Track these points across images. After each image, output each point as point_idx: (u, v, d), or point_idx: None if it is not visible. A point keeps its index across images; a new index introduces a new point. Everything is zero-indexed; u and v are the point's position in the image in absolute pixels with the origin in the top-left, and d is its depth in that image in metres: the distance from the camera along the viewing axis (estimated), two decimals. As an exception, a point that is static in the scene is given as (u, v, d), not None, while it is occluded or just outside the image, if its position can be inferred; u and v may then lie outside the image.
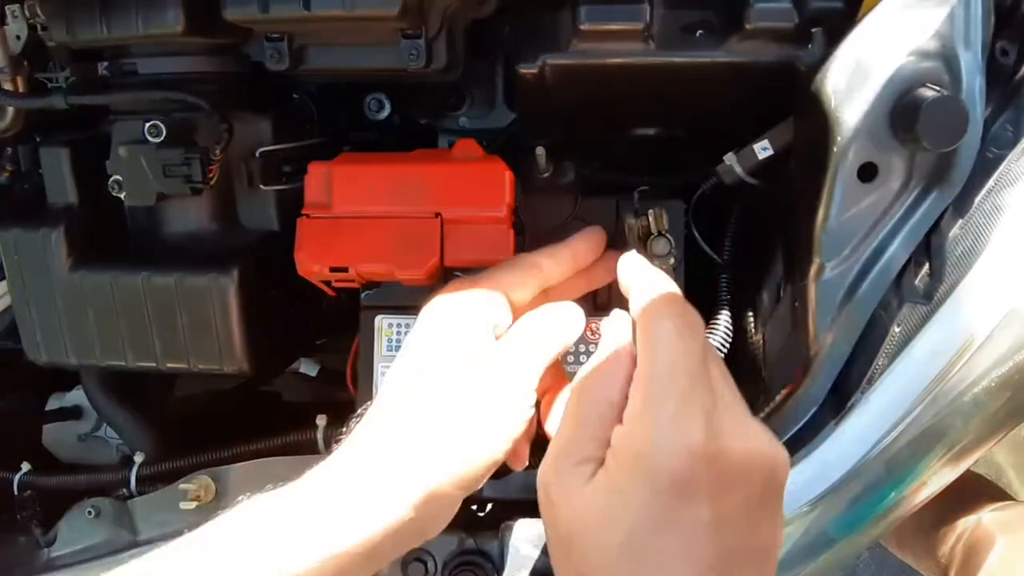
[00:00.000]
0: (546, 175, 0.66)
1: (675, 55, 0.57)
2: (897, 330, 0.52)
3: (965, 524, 0.91)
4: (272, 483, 0.66)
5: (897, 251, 0.51)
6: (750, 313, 0.64)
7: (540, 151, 0.64)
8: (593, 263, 0.58)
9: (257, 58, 0.66)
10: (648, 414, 0.38)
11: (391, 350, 0.67)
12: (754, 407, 0.59)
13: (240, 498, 0.46)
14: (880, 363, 0.51)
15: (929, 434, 0.51)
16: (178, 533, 0.65)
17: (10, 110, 0.64)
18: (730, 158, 0.63)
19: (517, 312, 0.52)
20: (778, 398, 0.55)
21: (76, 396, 0.84)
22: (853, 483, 0.54)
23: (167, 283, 0.63)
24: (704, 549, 0.35)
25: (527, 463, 0.56)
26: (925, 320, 0.51)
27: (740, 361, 0.64)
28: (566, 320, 0.52)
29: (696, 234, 0.65)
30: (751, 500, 0.37)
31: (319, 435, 0.70)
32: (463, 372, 0.48)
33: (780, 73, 0.57)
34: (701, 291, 0.66)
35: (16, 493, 0.73)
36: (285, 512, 0.45)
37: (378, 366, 0.67)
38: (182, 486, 0.65)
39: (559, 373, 0.56)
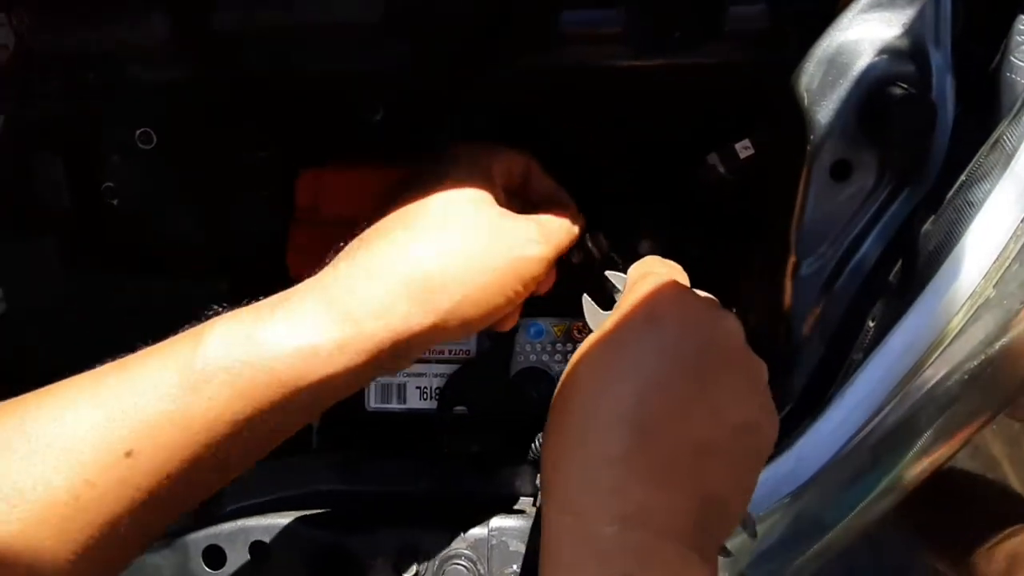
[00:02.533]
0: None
1: (653, 58, 0.58)
2: (872, 325, 0.53)
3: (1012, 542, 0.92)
4: (269, 480, 0.68)
5: (871, 247, 0.52)
6: (733, 310, 0.65)
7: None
8: None
9: (245, 64, 0.67)
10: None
11: (381, 350, 0.69)
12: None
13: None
14: (856, 358, 0.52)
15: (907, 426, 0.52)
16: (174, 533, 0.67)
17: (0, 118, 0.65)
18: (712, 158, 0.64)
19: None
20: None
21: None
22: (839, 471, 0.55)
23: (160, 291, 0.65)
24: (655, 365, 0.40)
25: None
26: (899, 315, 0.52)
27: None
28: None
29: (680, 236, 0.66)
30: (711, 349, 0.42)
31: (313, 435, 0.71)
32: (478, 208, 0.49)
33: (757, 74, 0.58)
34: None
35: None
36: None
37: (368, 366, 0.69)
38: None
39: None
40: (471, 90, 0.73)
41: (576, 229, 0.56)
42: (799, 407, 0.54)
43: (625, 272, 0.52)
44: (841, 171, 0.51)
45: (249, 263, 0.68)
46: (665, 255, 0.66)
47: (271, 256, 0.66)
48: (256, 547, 0.66)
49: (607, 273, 0.53)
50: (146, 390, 0.40)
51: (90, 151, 0.66)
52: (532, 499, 0.68)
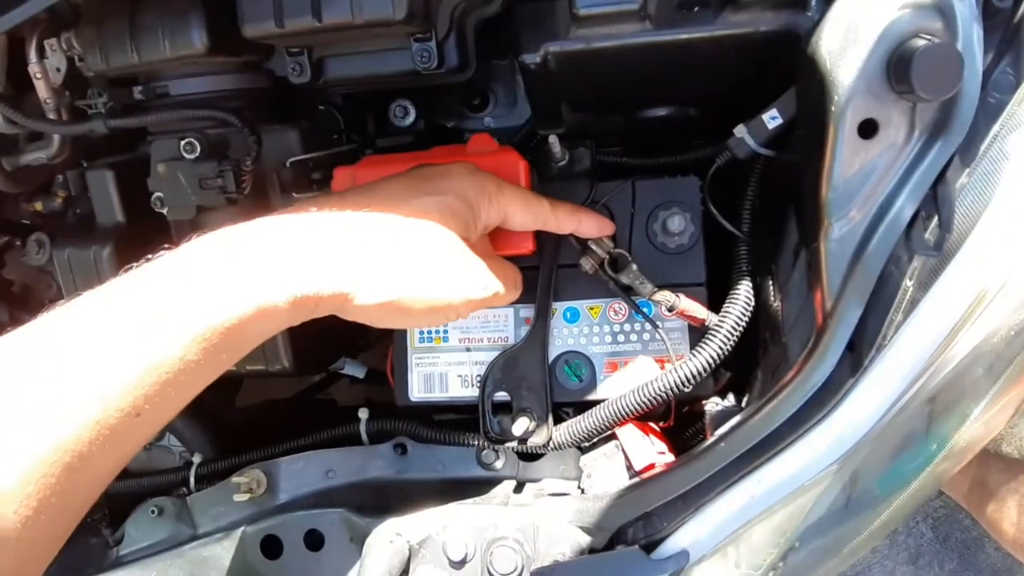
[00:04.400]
0: (562, 163, 0.68)
1: (673, 32, 0.58)
2: (910, 284, 0.51)
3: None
4: (321, 472, 0.70)
5: (904, 204, 0.51)
6: (770, 282, 0.64)
7: (553, 139, 0.66)
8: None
9: (281, 73, 0.69)
10: None
11: (424, 341, 0.70)
12: (776, 372, 0.60)
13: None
14: (895, 319, 0.51)
15: (953, 386, 0.51)
16: (234, 525, 0.70)
17: (56, 138, 0.69)
18: (740, 130, 0.63)
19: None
20: (799, 360, 0.55)
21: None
22: (889, 436, 0.54)
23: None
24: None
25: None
26: (937, 272, 0.51)
27: (763, 328, 0.65)
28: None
29: (713, 209, 0.65)
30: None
31: (362, 427, 0.73)
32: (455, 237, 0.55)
33: (781, 41, 0.57)
34: (721, 264, 0.67)
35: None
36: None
37: (412, 357, 0.70)
38: (235, 479, 0.69)
39: None
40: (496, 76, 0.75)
41: (519, 288, 0.64)
42: (839, 372, 0.53)
43: None
44: (868, 129, 0.50)
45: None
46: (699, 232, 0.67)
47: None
48: (311, 535, 0.68)
49: None
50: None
51: (137, 162, 0.70)
52: (576, 482, 0.68)
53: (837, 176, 0.51)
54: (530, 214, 0.61)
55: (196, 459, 0.76)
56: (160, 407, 0.43)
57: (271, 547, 0.69)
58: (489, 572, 0.63)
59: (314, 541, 0.68)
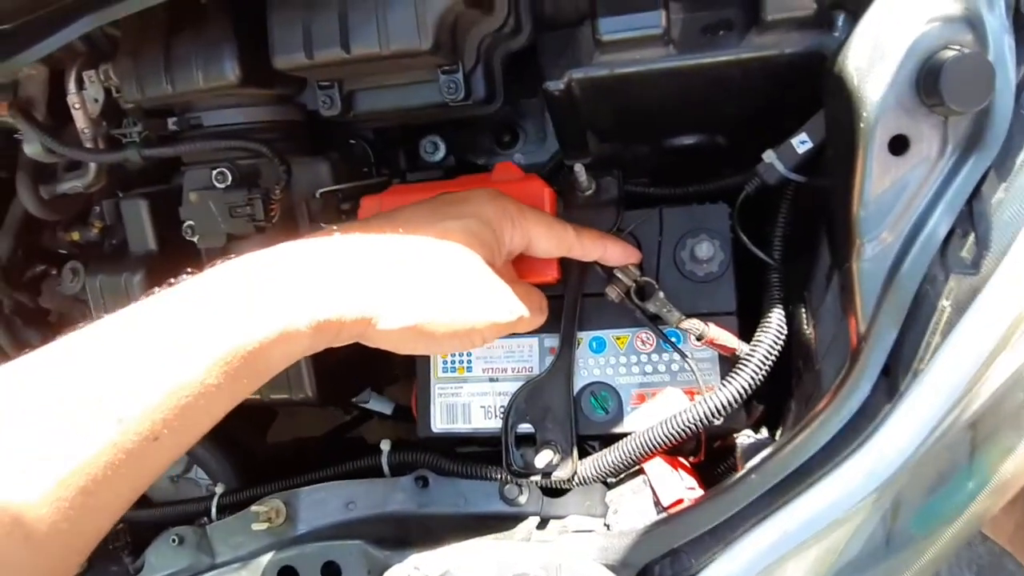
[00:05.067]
0: (588, 192, 0.67)
1: (697, 57, 0.58)
2: (947, 304, 0.49)
3: None
4: (341, 503, 0.68)
5: (939, 221, 0.49)
6: (803, 309, 0.62)
7: (578, 167, 0.66)
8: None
9: (312, 106, 0.71)
10: None
11: (447, 371, 0.69)
12: (810, 401, 0.57)
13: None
14: (932, 341, 0.49)
15: (993, 413, 0.48)
16: (252, 555, 0.69)
17: (92, 167, 0.71)
18: (769, 155, 0.62)
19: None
20: (832, 387, 0.52)
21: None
22: (928, 469, 0.51)
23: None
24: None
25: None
26: (976, 291, 0.49)
27: (796, 357, 0.62)
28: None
29: (743, 236, 0.64)
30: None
31: (383, 459, 0.72)
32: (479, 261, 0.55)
33: (808, 62, 0.56)
34: (752, 293, 0.65)
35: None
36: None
37: (435, 388, 0.69)
38: (254, 508, 0.68)
39: None
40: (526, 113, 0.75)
41: (545, 312, 0.62)
42: (875, 398, 0.51)
43: None
44: (899, 145, 0.49)
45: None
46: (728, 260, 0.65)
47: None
48: (328, 567, 0.66)
49: None
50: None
51: (171, 193, 0.71)
52: (601, 519, 0.66)
53: (868, 194, 0.50)
54: (554, 239, 0.60)
55: (219, 489, 0.76)
56: (179, 432, 0.42)
57: (288, 579, 0.67)
58: (510, 610, 0.61)
59: (332, 573, 0.66)
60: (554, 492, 0.67)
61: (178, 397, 0.41)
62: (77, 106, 0.65)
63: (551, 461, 0.64)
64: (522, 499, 0.67)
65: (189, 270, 0.48)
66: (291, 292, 0.46)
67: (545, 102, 0.65)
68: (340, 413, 1.00)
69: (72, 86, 0.65)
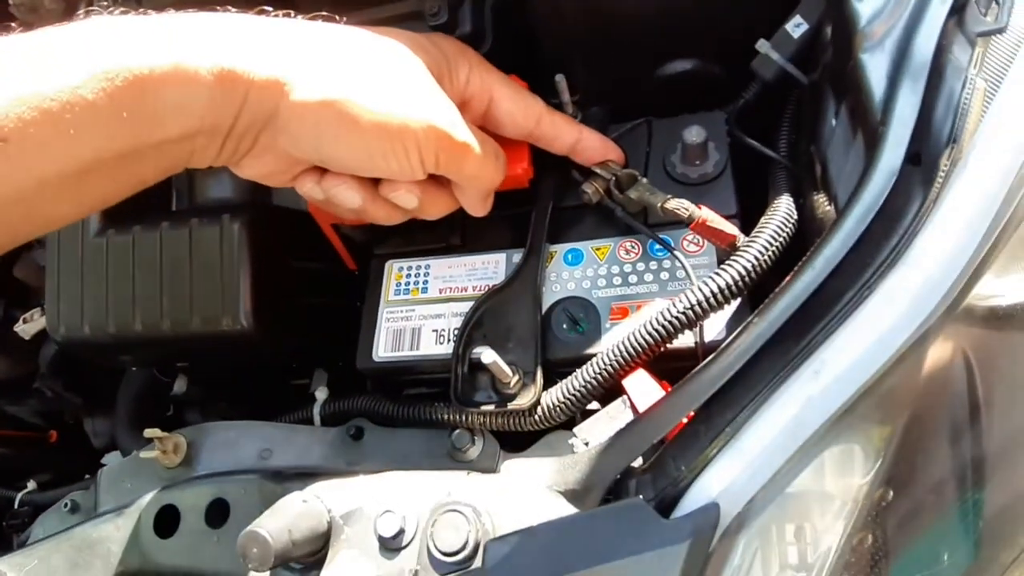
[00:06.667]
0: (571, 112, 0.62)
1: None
2: (973, 73, 0.39)
3: None
4: (255, 449, 0.56)
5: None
6: (815, 195, 0.51)
7: (559, 77, 0.61)
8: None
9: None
10: None
11: (399, 293, 0.59)
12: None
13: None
14: (967, 121, 0.38)
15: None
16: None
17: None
18: (763, 45, 0.57)
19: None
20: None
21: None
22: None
23: (182, 234, 0.62)
24: None
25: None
26: (1012, 55, 0.39)
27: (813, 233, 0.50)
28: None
29: (743, 135, 0.56)
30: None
31: (316, 409, 0.59)
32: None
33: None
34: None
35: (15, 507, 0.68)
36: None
37: (383, 312, 0.59)
38: (147, 433, 0.55)
39: None
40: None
41: (501, 161, 0.53)
42: (909, 185, 0.39)
43: None
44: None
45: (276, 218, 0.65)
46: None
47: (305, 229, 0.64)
48: (215, 506, 0.52)
49: None
50: None
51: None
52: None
53: None
54: (520, 104, 0.54)
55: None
56: (34, 140, 0.37)
57: (166, 523, 0.53)
58: (429, 551, 0.45)
59: (218, 513, 0.52)
60: (512, 444, 0.53)
61: (40, 98, 0.36)
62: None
63: (511, 379, 0.51)
64: (473, 452, 0.52)
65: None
66: (193, 30, 0.42)
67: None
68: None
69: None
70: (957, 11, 0.41)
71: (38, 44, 0.39)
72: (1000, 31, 0.39)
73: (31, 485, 0.72)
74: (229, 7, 0.46)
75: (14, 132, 0.36)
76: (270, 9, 0.47)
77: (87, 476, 0.80)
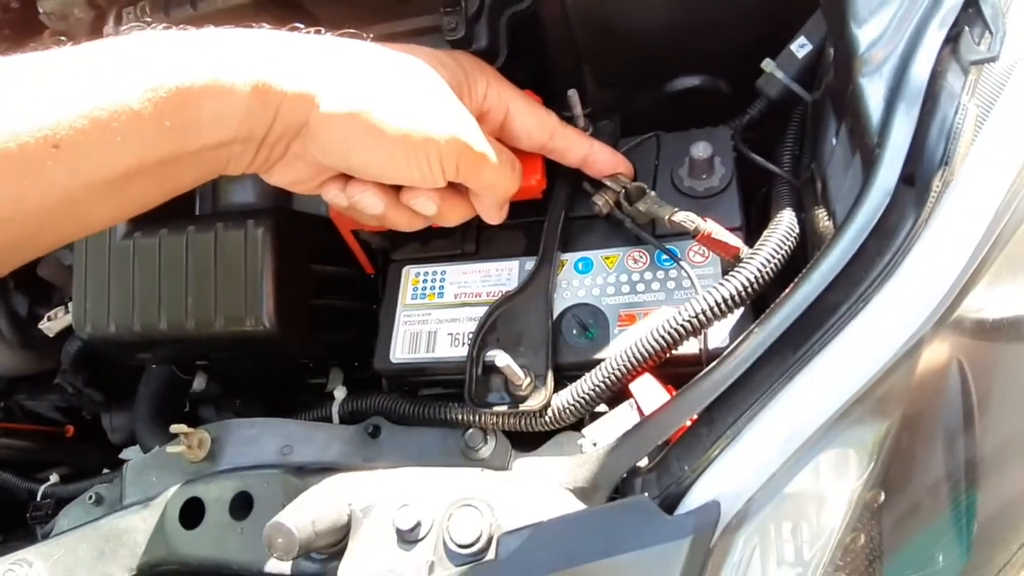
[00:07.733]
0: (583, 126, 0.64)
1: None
2: (966, 99, 0.42)
3: None
4: (276, 445, 0.58)
5: (944, 18, 0.44)
6: (816, 211, 0.54)
7: (572, 92, 0.63)
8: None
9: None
10: None
11: (416, 298, 0.62)
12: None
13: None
14: (959, 144, 0.40)
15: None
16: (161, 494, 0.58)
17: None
18: (769, 64, 0.59)
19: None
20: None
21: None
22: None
23: (207, 237, 0.64)
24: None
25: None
26: (1003, 82, 0.42)
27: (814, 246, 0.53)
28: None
29: (748, 151, 0.58)
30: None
31: (334, 408, 0.62)
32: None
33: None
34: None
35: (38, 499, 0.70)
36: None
37: (400, 316, 0.62)
38: (173, 429, 0.58)
39: None
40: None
41: (517, 172, 0.56)
42: (900, 206, 0.41)
43: None
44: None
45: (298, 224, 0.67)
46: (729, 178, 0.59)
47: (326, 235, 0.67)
48: (239, 499, 0.55)
49: None
50: None
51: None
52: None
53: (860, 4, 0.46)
54: (535, 117, 0.56)
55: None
56: (84, 147, 0.39)
57: (191, 515, 0.55)
58: (445, 543, 0.47)
59: (242, 506, 0.54)
60: (523, 444, 0.55)
61: (91, 106, 0.39)
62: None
63: (523, 381, 0.53)
64: (486, 450, 0.55)
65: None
66: (232, 46, 0.45)
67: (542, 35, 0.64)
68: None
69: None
70: (952, 40, 0.43)
71: (90, 57, 0.41)
72: (992, 59, 0.42)
73: (54, 478, 0.74)
74: (263, 23, 0.49)
75: (65, 139, 0.39)
76: (301, 26, 0.50)
77: (105, 470, 0.83)
